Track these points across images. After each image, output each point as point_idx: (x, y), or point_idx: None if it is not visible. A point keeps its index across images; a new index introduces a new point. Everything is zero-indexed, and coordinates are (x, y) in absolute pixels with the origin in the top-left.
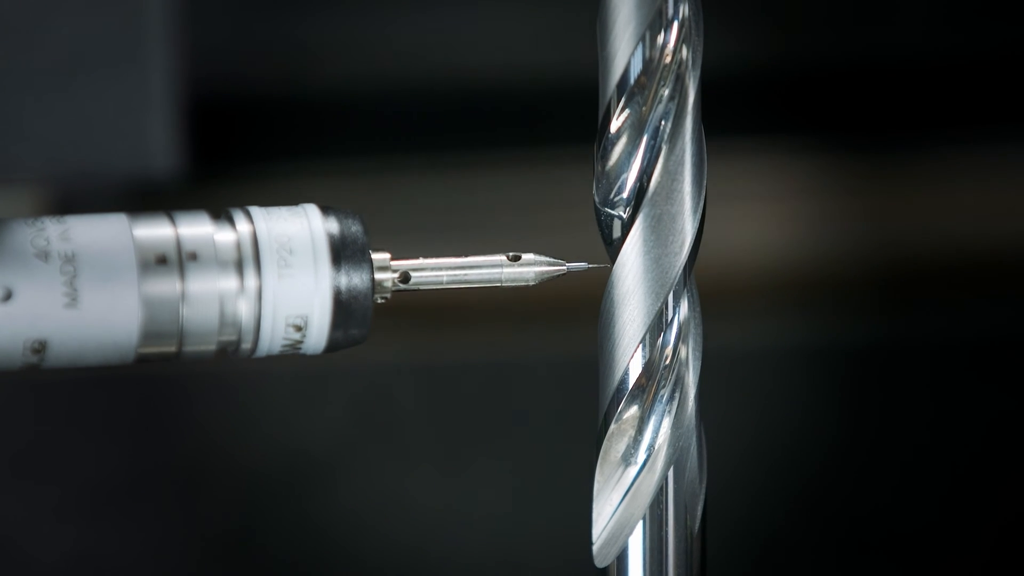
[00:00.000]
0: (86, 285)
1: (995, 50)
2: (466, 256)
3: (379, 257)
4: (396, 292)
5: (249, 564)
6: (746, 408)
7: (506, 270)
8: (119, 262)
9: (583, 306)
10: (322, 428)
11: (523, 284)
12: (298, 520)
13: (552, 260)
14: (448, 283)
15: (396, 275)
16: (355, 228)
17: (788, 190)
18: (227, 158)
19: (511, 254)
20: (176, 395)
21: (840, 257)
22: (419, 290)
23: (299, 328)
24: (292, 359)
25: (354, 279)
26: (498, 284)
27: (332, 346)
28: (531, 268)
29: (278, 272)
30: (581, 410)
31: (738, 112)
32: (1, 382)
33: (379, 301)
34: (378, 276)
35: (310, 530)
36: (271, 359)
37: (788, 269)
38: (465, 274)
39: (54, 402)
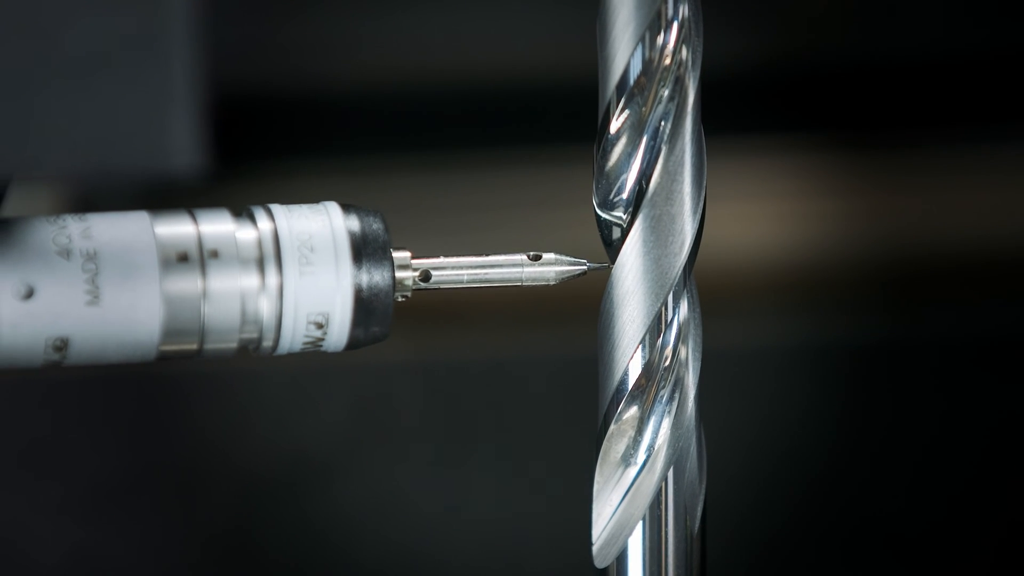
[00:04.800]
0: (108, 283)
1: (1000, 48)
2: (485, 255)
3: (400, 255)
4: (416, 291)
5: (248, 564)
6: (746, 409)
7: (526, 270)
8: (141, 260)
9: (583, 306)
10: (321, 428)
11: (543, 284)
12: (297, 520)
13: (573, 260)
14: (468, 282)
15: (417, 273)
16: (376, 226)
17: (789, 190)
18: (249, 156)
19: (531, 253)
20: (176, 395)
21: (842, 256)
22: (439, 289)
23: (320, 326)
24: (291, 358)
25: (375, 277)
26: (518, 284)
27: (353, 344)
28: (551, 268)
29: (299, 270)
30: (581, 410)
31: (738, 112)
32: (2, 382)
33: (400, 299)
34: (399, 274)
35: (309, 530)
36: (270, 359)
37: (789, 269)
38: (485, 273)
39: (54, 402)
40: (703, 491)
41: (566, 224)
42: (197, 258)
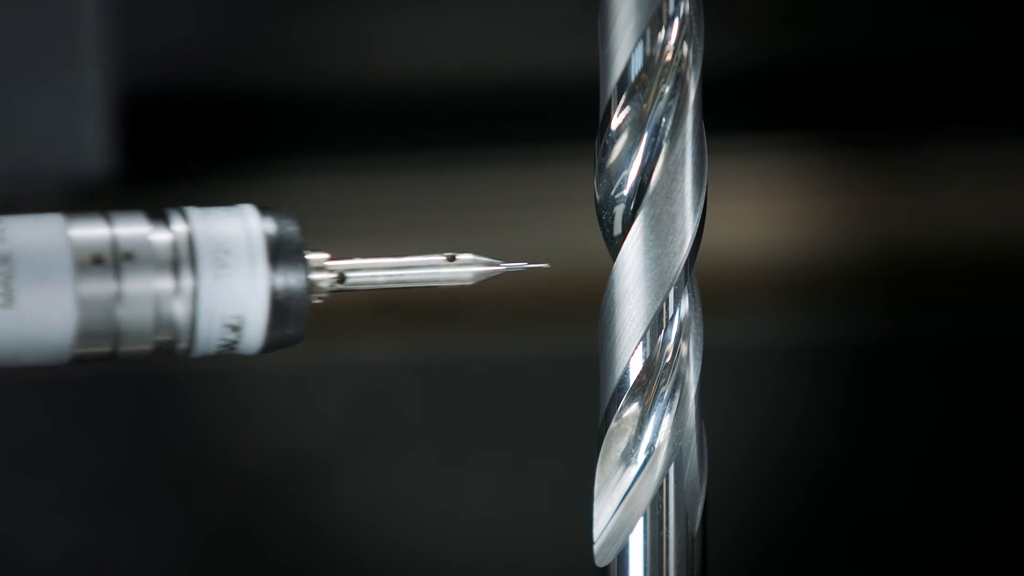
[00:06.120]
0: (21, 285)
1: (1000, 46)
2: (404, 256)
3: (315, 257)
4: (332, 292)
5: (246, 562)
6: (747, 407)
7: (443, 270)
8: (55, 262)
9: (583, 304)
10: (320, 427)
11: (460, 284)
12: (295, 518)
13: (489, 260)
14: (385, 283)
15: (333, 275)
16: (292, 228)
17: (789, 188)
18: (163, 159)
19: (448, 254)
20: (174, 393)
21: (842, 254)
22: (355, 290)
23: (235, 328)
24: (291, 357)
25: (290, 279)
26: (435, 284)
27: (269, 346)
28: (468, 268)
29: (214, 272)
30: (581, 408)
31: (739, 110)
32: (1, 380)
33: (316, 301)
34: (314, 276)
35: (307, 528)
36: (270, 357)
37: (790, 267)
38: (402, 274)
39: (53, 400)
40: (704, 490)
41: (566, 222)
42: (111, 261)
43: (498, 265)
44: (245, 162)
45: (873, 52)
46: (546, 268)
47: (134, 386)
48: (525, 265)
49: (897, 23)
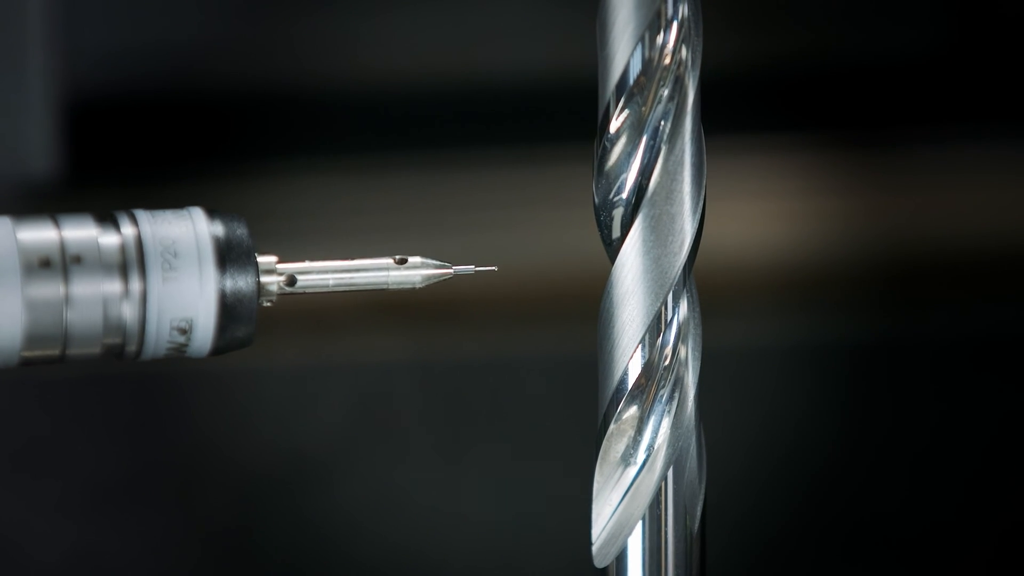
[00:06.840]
0: None
1: (998, 45)
2: (353, 259)
3: (265, 260)
4: (282, 295)
5: (247, 563)
6: (746, 408)
7: (392, 273)
8: (2, 265)
9: (583, 305)
10: (321, 427)
11: (409, 287)
12: (296, 519)
13: (439, 263)
14: (334, 287)
15: (282, 278)
16: (240, 231)
17: (789, 189)
18: (109, 161)
19: (398, 257)
20: (175, 393)
21: (841, 255)
22: (305, 293)
23: (184, 331)
24: (291, 357)
25: (239, 282)
26: (385, 287)
27: (218, 349)
28: (418, 271)
29: (163, 275)
30: (581, 410)
31: (738, 111)
32: (1, 380)
33: (265, 304)
34: (264, 279)
35: (308, 529)
36: (272, 357)
37: (789, 268)
38: (351, 277)
39: (53, 400)
40: (703, 491)
41: (566, 224)
42: (59, 263)
43: (448, 268)
44: (206, 164)
45: (873, 52)
46: (494, 271)
47: (134, 386)
48: (474, 268)
49: (896, 24)
